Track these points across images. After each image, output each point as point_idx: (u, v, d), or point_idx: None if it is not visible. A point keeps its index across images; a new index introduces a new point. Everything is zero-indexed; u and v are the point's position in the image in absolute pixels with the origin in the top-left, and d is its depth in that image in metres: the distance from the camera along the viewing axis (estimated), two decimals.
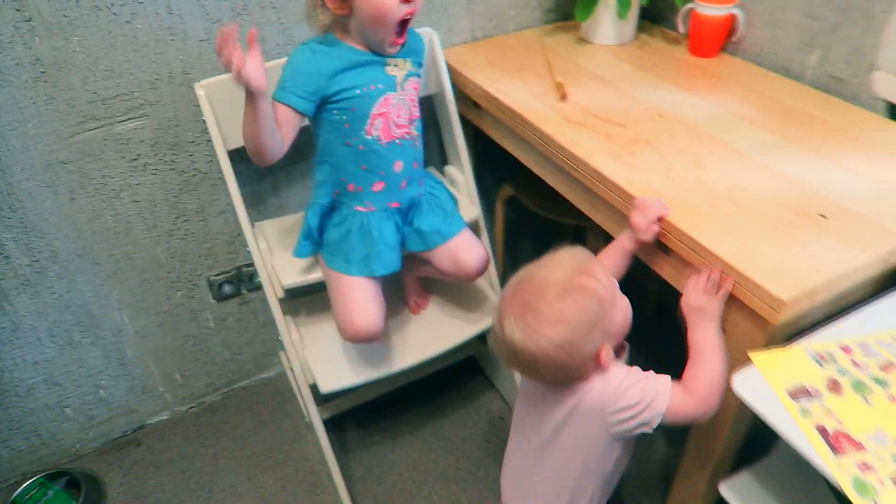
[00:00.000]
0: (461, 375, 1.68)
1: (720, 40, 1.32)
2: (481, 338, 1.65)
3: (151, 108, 1.24)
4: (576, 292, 0.82)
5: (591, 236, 1.45)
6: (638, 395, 0.84)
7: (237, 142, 1.23)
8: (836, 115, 1.12)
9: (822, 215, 0.89)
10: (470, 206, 1.37)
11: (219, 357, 1.63)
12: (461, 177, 1.40)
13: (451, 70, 1.35)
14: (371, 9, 1.01)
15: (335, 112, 1.09)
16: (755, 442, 1.03)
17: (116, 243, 1.35)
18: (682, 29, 1.37)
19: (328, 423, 1.43)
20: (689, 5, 1.32)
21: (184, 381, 1.62)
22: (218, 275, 1.50)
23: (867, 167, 0.98)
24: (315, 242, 1.21)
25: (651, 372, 0.88)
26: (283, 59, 1.10)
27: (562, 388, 0.89)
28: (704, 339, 0.87)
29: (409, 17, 1.05)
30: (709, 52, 1.33)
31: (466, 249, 1.19)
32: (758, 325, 0.83)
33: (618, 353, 0.93)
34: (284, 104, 1.06)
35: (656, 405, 0.84)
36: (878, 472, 0.67)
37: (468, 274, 1.20)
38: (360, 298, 1.15)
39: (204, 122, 1.21)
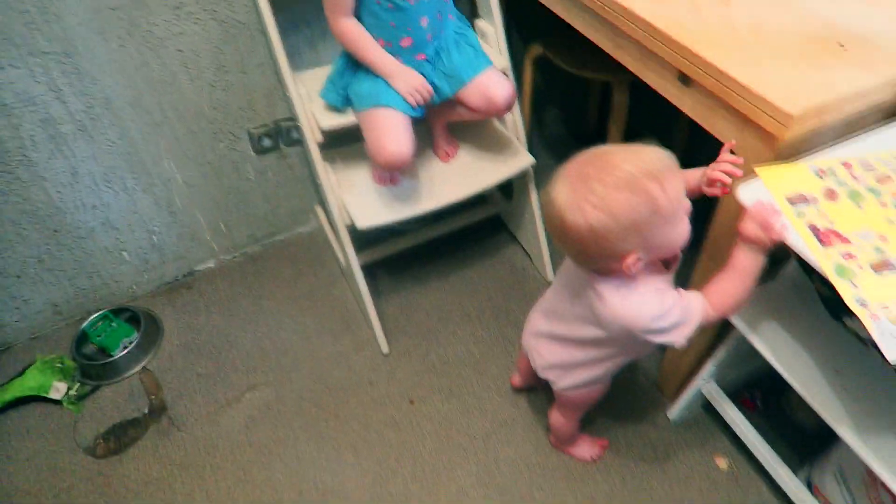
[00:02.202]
0: (487, 232, 1.78)
1: None
2: (507, 196, 1.74)
3: None
4: (635, 191, 0.79)
5: (617, 91, 1.49)
6: (673, 319, 0.87)
7: None
8: None
9: (840, 44, 0.93)
10: (499, 56, 1.41)
11: (259, 210, 1.74)
12: (491, 28, 1.43)
13: None
14: None
15: None
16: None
17: (164, 92, 1.43)
18: None
19: (363, 270, 1.55)
20: None
21: (228, 231, 1.74)
22: (257, 127, 1.58)
23: (890, 1, 1.00)
24: (337, 91, 1.29)
25: (683, 295, 0.89)
26: None
27: (581, 266, 0.92)
28: (746, 264, 0.87)
29: None
30: None
31: (495, 84, 1.26)
32: (767, 142, 0.89)
33: (668, 263, 0.94)
34: None
35: (687, 329, 0.88)
36: (860, 260, 0.76)
37: (498, 107, 1.26)
38: (391, 126, 1.23)
39: None
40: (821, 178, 0.86)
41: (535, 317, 1.17)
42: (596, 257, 0.85)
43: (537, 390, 1.44)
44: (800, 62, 0.90)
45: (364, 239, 1.59)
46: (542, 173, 1.44)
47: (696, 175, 0.92)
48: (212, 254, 1.76)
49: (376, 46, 1.22)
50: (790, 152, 0.90)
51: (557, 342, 1.10)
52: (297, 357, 1.56)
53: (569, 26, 1.25)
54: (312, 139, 1.34)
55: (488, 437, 1.39)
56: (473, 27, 1.51)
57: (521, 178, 1.54)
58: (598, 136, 1.63)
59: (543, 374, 1.16)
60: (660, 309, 0.87)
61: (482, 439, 1.38)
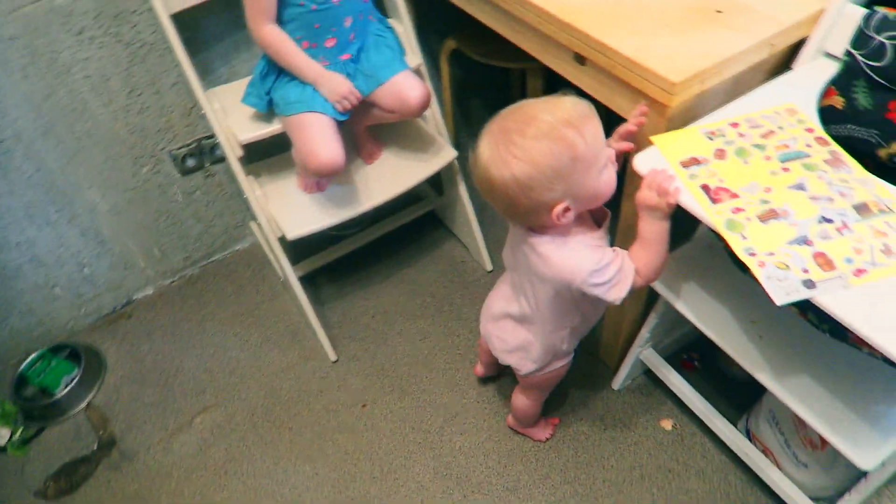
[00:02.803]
0: (423, 229, 1.80)
1: None
2: (439, 191, 1.76)
3: None
4: (554, 139, 0.81)
5: (531, 77, 1.53)
6: (610, 274, 0.90)
7: (180, 3, 1.27)
8: None
9: (717, 11, 0.98)
10: (411, 55, 1.43)
11: (192, 231, 1.73)
12: (400, 27, 1.45)
13: None
14: None
15: None
16: (678, 231, 1.16)
17: (76, 120, 1.40)
18: None
19: (303, 280, 1.55)
20: None
21: (162, 255, 1.72)
22: (180, 148, 1.57)
23: None
24: (259, 96, 1.28)
25: (618, 252, 0.93)
26: None
27: (515, 222, 0.95)
28: (654, 232, 0.90)
29: None
30: None
31: (409, 86, 1.27)
32: (659, 112, 0.93)
33: (599, 220, 0.98)
34: None
35: (623, 287, 0.91)
36: (748, 212, 0.80)
37: (412, 108, 1.28)
38: (321, 133, 1.24)
39: None
40: (711, 139, 0.90)
41: (489, 302, 1.19)
42: (527, 211, 0.87)
43: (486, 380, 1.47)
44: (681, 31, 0.95)
45: (302, 248, 1.59)
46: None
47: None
48: (149, 280, 1.74)
49: (301, 52, 1.22)
50: (682, 118, 0.94)
51: (513, 321, 1.12)
52: (245, 374, 1.55)
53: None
54: (233, 154, 1.33)
55: (442, 430, 1.40)
56: None
57: (449, 171, 1.56)
58: None
59: (505, 360, 1.18)
60: (597, 262, 0.90)
61: (436, 433, 1.40)
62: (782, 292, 0.72)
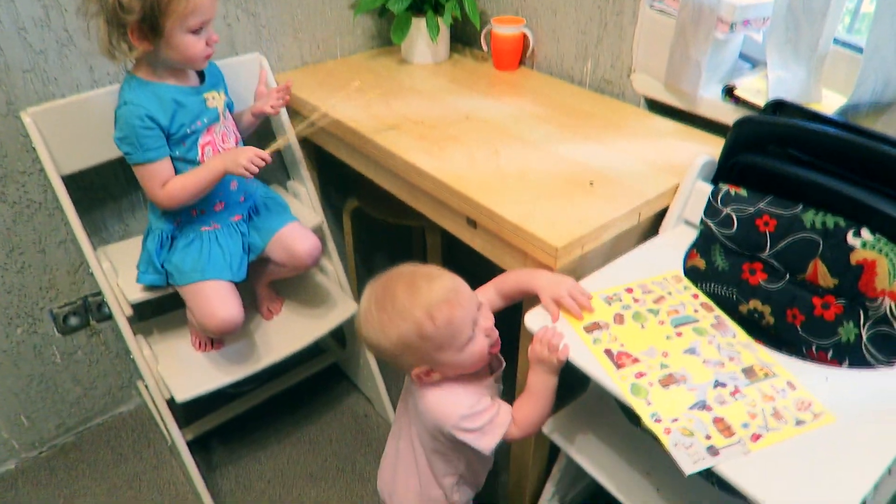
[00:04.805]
0: (325, 382, 1.74)
1: (517, 55, 1.54)
2: (342, 343, 1.74)
3: None
4: (405, 319, 0.88)
5: (429, 234, 1.60)
6: (481, 423, 0.94)
7: (71, 166, 1.26)
8: (607, 110, 1.36)
9: (590, 182, 1.09)
10: (313, 214, 1.47)
11: (69, 394, 1.58)
12: (303, 188, 1.50)
13: None
14: (177, 53, 1.09)
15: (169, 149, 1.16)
16: (576, 381, 1.19)
17: None
18: (485, 48, 1.58)
19: (193, 444, 1.44)
20: (488, 27, 1.53)
21: (31, 424, 1.55)
22: (63, 306, 1.48)
23: (628, 146, 1.21)
24: (156, 270, 1.25)
25: (496, 402, 0.97)
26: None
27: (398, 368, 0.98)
28: (542, 384, 0.94)
29: (209, 55, 1.14)
30: (509, 65, 1.55)
31: (296, 238, 1.29)
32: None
33: (494, 368, 1.03)
34: (164, 157, 1.15)
35: (493, 437, 0.94)
36: (650, 377, 0.83)
37: (301, 259, 1.29)
38: (219, 294, 1.21)
39: (34, 150, 1.22)
40: (609, 304, 0.94)
41: (383, 462, 1.17)
42: (395, 364, 0.94)
43: None
44: (559, 200, 1.04)
45: (194, 408, 1.49)
46: None
47: (542, 283, 0.95)
48: (11, 453, 1.55)
49: (197, 169, 1.17)
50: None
51: (405, 475, 1.09)
52: None
53: None
54: (121, 314, 1.27)
55: None
56: (287, 188, 1.58)
57: (351, 325, 1.56)
58: None
59: None
60: (470, 408, 0.93)
61: None
62: (690, 461, 0.73)
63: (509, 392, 1.07)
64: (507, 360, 1.05)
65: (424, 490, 1.09)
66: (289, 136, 1.44)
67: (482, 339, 0.93)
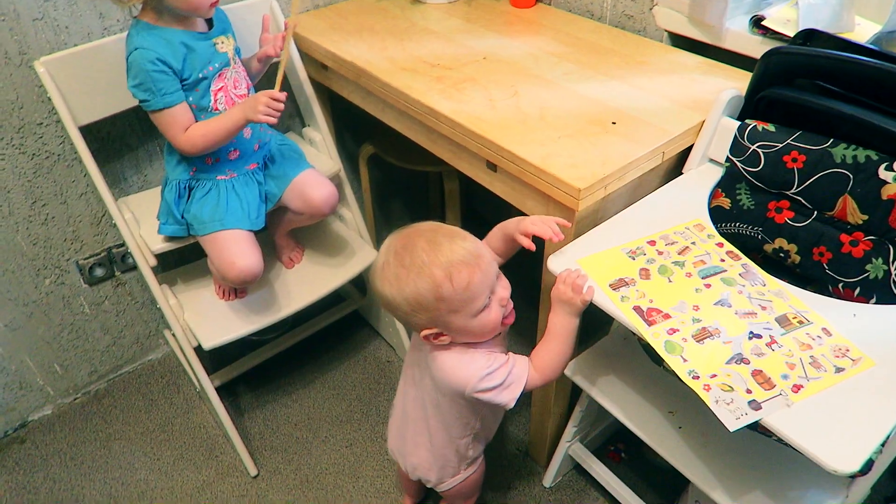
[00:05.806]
0: (347, 329, 1.77)
1: None
2: (363, 291, 1.75)
3: None
4: (422, 277, 0.87)
5: (447, 180, 1.59)
6: (499, 379, 0.93)
7: (88, 116, 1.26)
8: (628, 46, 1.31)
9: (613, 122, 1.07)
10: (330, 161, 1.46)
11: (99, 343, 1.62)
12: (318, 135, 1.49)
13: (296, 36, 1.42)
14: (181, 1, 1.07)
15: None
16: (595, 326, 1.20)
17: None
18: None
19: (221, 390, 1.48)
20: None
21: (64, 371, 1.60)
22: (88, 258, 1.50)
23: (650, 84, 1.17)
24: (177, 221, 1.26)
25: (510, 357, 0.96)
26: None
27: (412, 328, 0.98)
28: (563, 327, 0.93)
29: (215, 3, 1.11)
30: (526, 2, 1.49)
31: (312, 185, 1.28)
32: (567, 215, 0.98)
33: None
34: (182, 101, 1.13)
35: (513, 391, 0.94)
36: (683, 332, 0.81)
37: (317, 207, 1.28)
38: (238, 244, 1.22)
39: (50, 101, 1.22)
40: (633, 259, 0.92)
41: (391, 423, 1.20)
42: (406, 322, 0.93)
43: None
44: (582, 141, 1.02)
45: (220, 356, 1.52)
46: None
47: (513, 223, 0.98)
48: (47, 399, 1.60)
49: (219, 117, 1.16)
50: (590, 220, 1.00)
51: (414, 435, 1.12)
52: (155, 498, 1.43)
53: None
54: (146, 264, 1.29)
55: None
56: (303, 136, 1.57)
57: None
58: (441, 221, 1.71)
59: (416, 475, 1.16)
60: (486, 368, 0.93)
61: None
62: (732, 417, 0.72)
63: (530, 344, 1.07)
64: (528, 311, 1.05)
65: (437, 450, 1.10)
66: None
67: (497, 308, 0.92)
